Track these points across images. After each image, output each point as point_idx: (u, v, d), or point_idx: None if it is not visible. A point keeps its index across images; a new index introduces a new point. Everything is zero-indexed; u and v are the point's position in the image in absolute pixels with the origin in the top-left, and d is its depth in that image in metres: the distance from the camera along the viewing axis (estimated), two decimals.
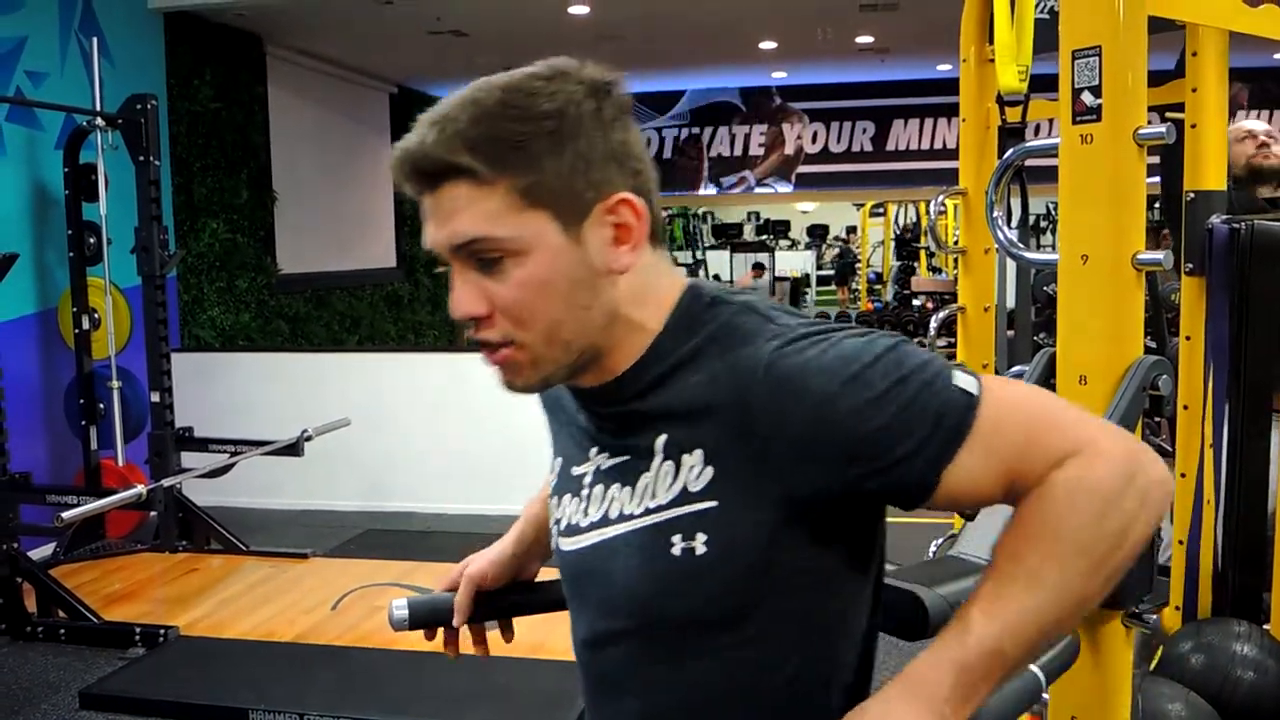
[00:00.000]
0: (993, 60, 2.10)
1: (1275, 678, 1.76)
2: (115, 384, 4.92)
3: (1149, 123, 1.24)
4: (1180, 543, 2.14)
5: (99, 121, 4.78)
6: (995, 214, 1.49)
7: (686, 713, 0.94)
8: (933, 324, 2.34)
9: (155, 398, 4.90)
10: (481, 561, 1.21)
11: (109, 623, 3.84)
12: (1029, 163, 1.68)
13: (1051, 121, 1.39)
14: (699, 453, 0.89)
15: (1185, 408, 2.12)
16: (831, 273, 18.54)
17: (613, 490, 0.96)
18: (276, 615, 4.00)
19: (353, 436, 5.04)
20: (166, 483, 4.27)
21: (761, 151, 10.73)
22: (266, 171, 7.10)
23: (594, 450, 0.99)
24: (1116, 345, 1.23)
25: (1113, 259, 1.22)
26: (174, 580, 4.50)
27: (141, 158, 4.77)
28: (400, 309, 9.25)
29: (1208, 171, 2.08)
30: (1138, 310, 1.24)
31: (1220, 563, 2.06)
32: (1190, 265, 2.07)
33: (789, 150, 10.64)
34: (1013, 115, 2.00)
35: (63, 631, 3.84)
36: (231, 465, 4.78)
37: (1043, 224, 14.58)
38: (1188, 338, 2.10)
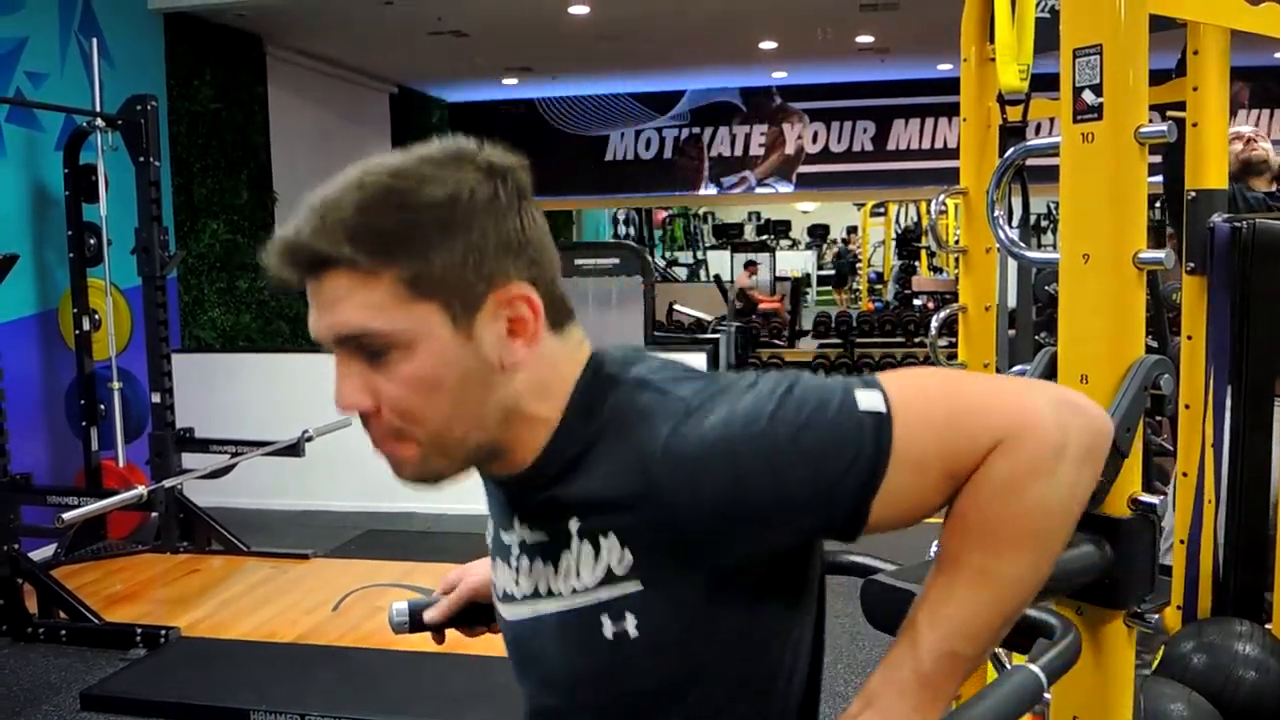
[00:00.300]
0: (993, 59, 2.09)
1: (1277, 677, 1.76)
2: (116, 385, 4.92)
3: (1150, 121, 1.24)
4: (1181, 542, 2.13)
5: (99, 122, 4.78)
6: (996, 213, 1.49)
7: None
8: (934, 324, 2.33)
9: (156, 398, 4.91)
10: (476, 577, 1.20)
11: (110, 624, 3.84)
12: (1029, 162, 1.67)
13: (1052, 121, 1.39)
14: (614, 536, 0.86)
15: (1186, 407, 2.11)
16: (832, 273, 18.54)
17: (538, 565, 0.93)
18: (277, 616, 4.00)
19: (353, 437, 4.98)
20: (167, 484, 4.27)
21: (762, 151, 10.73)
22: (267, 172, 7.10)
23: (517, 521, 0.96)
24: (1118, 344, 1.22)
25: (1114, 258, 1.21)
26: (175, 581, 4.50)
27: (141, 158, 4.77)
28: None
29: (1209, 170, 2.07)
30: (1139, 309, 1.23)
31: (1222, 562, 2.06)
32: (1192, 264, 2.07)
33: (789, 150, 10.63)
34: (1013, 114, 1.99)
35: (64, 632, 3.84)
36: (232, 466, 4.78)
37: (1043, 223, 14.57)
38: (1189, 337, 2.09)
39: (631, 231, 17.57)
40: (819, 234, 20.01)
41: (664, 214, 18.88)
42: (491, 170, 0.86)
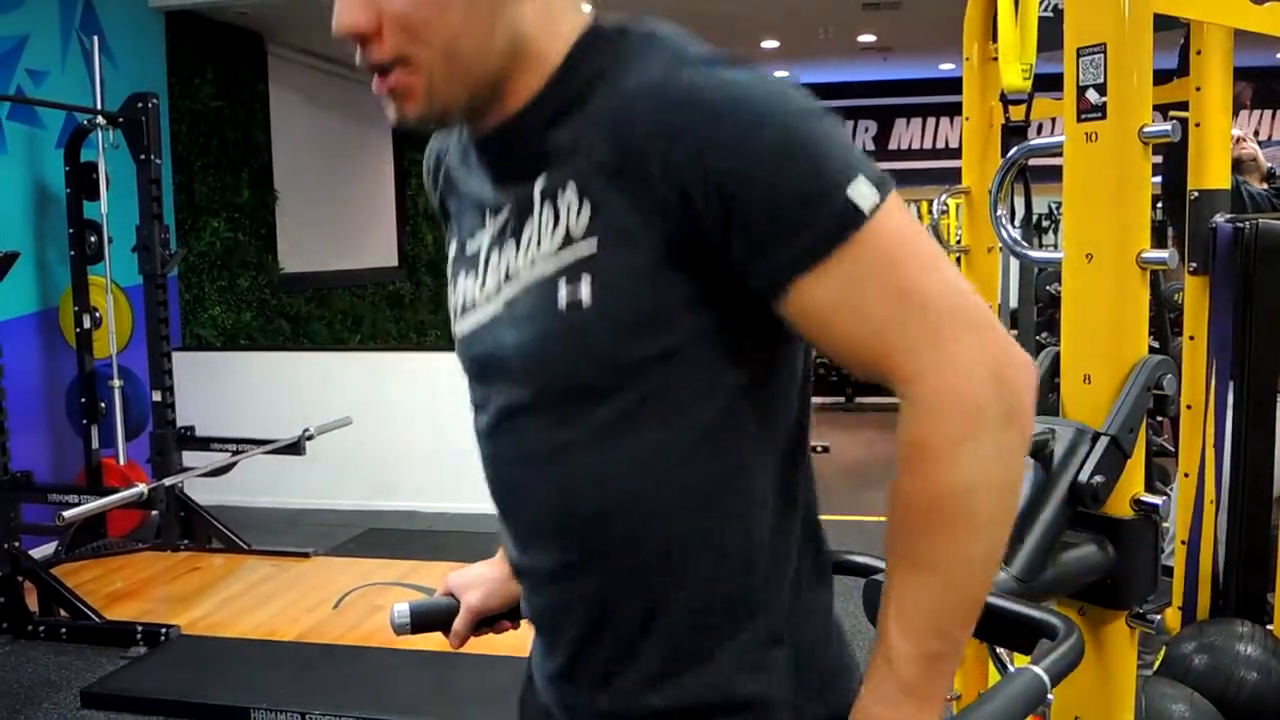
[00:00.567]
0: (996, 59, 2.09)
1: (1279, 678, 1.75)
2: (117, 383, 4.92)
3: (1153, 121, 1.23)
4: (1183, 543, 2.13)
5: (100, 120, 4.78)
6: (999, 212, 1.49)
7: (590, 498, 0.87)
8: None
9: (157, 397, 4.91)
10: (480, 590, 1.19)
11: (111, 622, 3.84)
12: (1031, 162, 1.67)
13: (1054, 120, 1.39)
14: (573, 189, 0.83)
15: (1188, 407, 2.11)
16: None
17: (505, 252, 0.90)
18: (278, 614, 4.00)
19: (354, 435, 5.03)
20: (168, 482, 4.27)
21: None
22: (268, 170, 7.09)
23: (489, 217, 0.93)
24: (1121, 344, 1.22)
25: (1117, 257, 1.21)
26: (176, 579, 4.50)
27: (142, 156, 4.77)
28: (402, 308, 9.24)
29: (1211, 170, 2.07)
30: (1142, 309, 1.23)
31: (1223, 563, 2.06)
32: (1194, 264, 2.07)
33: None
34: (1016, 113, 1.99)
35: (64, 630, 3.84)
36: (233, 464, 4.78)
37: (1044, 223, 14.56)
38: (1191, 337, 2.09)
39: None
40: None
41: None
42: None
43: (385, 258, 9.14)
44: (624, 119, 0.80)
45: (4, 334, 4.10)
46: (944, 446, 0.78)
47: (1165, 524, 2.17)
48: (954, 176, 2.27)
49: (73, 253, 4.87)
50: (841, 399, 8.82)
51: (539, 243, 0.85)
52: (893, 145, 10.25)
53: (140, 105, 4.75)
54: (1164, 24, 1.41)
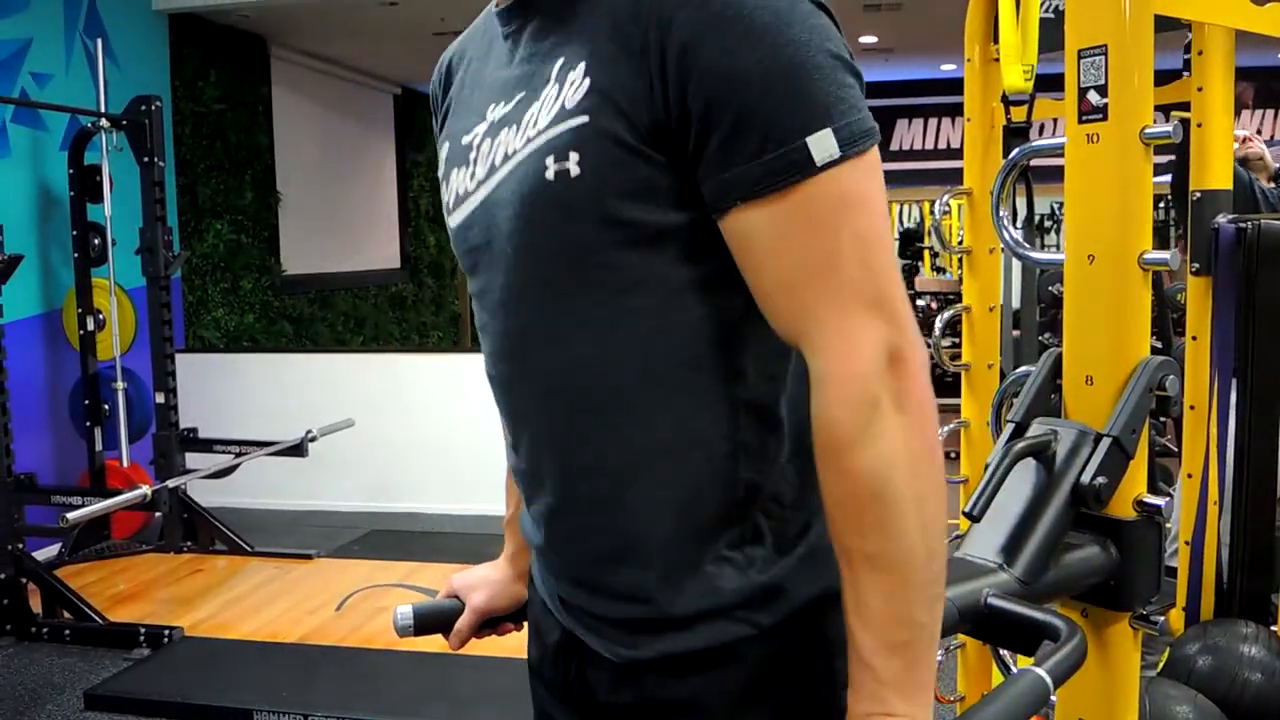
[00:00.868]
0: (997, 60, 2.09)
1: None
2: (120, 385, 4.92)
3: (1155, 122, 1.23)
4: (1186, 544, 2.13)
5: (103, 123, 4.79)
6: (1001, 213, 1.49)
7: (586, 376, 0.89)
8: (937, 325, 2.33)
9: (160, 398, 4.91)
10: (485, 592, 1.21)
11: (114, 623, 3.84)
12: (1034, 162, 1.67)
13: (1056, 121, 1.39)
14: (582, 66, 0.85)
15: (1191, 408, 2.10)
16: None
17: (502, 135, 0.92)
18: (281, 616, 4.00)
19: (357, 437, 5.04)
20: (171, 483, 4.27)
21: None
22: (271, 172, 7.10)
23: (491, 106, 0.95)
24: (1123, 345, 1.22)
25: (1119, 259, 1.21)
26: (179, 581, 4.51)
27: (146, 159, 4.78)
28: (404, 310, 9.25)
29: (1214, 170, 2.07)
30: (1144, 310, 1.23)
31: (1226, 564, 2.05)
32: (1196, 265, 2.06)
33: None
34: (1018, 115, 1.99)
35: (68, 632, 3.84)
36: (236, 466, 4.79)
37: (1047, 224, 14.54)
38: (1194, 338, 2.09)
39: None
40: None
41: None
42: None
43: (388, 259, 9.16)
44: (640, 1, 0.82)
45: (8, 336, 4.10)
46: (848, 436, 0.80)
47: (1169, 525, 2.18)
48: (956, 177, 2.27)
49: (76, 255, 4.88)
50: None
51: (536, 121, 0.87)
52: (895, 146, 10.25)
53: (143, 108, 4.76)
54: (1167, 24, 1.41)
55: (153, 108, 4.76)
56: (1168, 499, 1.22)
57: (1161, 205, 9.46)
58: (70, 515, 3.47)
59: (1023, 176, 1.76)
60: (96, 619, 3.85)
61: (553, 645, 1.04)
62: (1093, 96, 1.22)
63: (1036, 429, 1.26)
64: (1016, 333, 2.41)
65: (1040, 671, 0.92)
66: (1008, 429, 1.30)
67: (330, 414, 4.93)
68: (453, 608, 1.22)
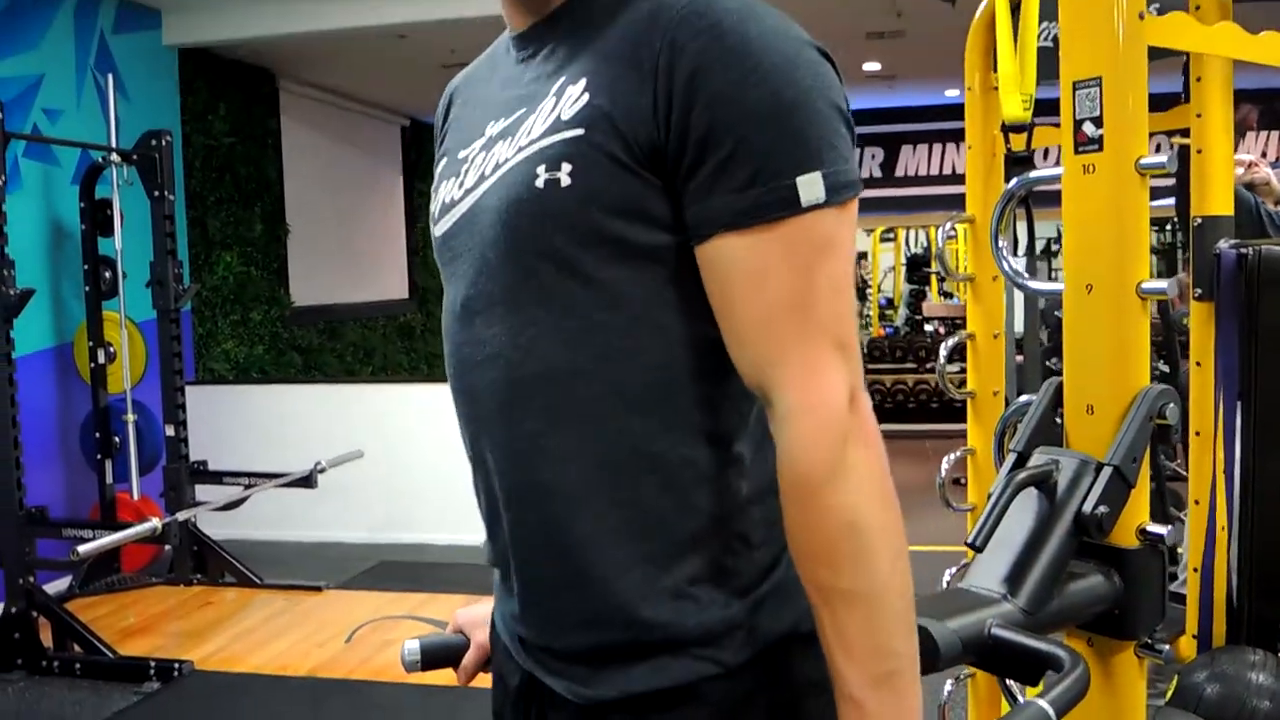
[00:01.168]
0: (998, 88, 2.10)
1: None
2: (130, 417, 4.95)
3: (1159, 149, 1.25)
4: (1195, 570, 2.12)
5: (114, 157, 4.83)
6: (1000, 243, 1.50)
7: (553, 389, 0.89)
8: (942, 351, 2.33)
9: (170, 431, 4.93)
10: (489, 628, 1.21)
11: (124, 657, 3.85)
12: (1038, 187, 1.68)
13: (1059, 147, 1.40)
14: (582, 83, 0.87)
15: (1197, 434, 2.10)
16: None
17: (497, 148, 0.93)
18: (290, 649, 4.00)
19: (366, 468, 5.05)
20: (181, 516, 4.29)
21: None
22: (280, 204, 7.15)
23: (491, 122, 0.97)
24: (1123, 374, 1.23)
25: (1117, 288, 1.22)
26: (188, 614, 4.51)
27: (156, 192, 4.82)
28: (413, 340, 9.28)
29: (1215, 196, 2.08)
30: (1143, 339, 1.24)
31: (1235, 590, 2.04)
32: (1199, 290, 2.07)
33: None
34: (1017, 143, 2.00)
35: (78, 666, 3.85)
36: (245, 498, 4.80)
37: (1054, 247, 14.53)
38: (1198, 363, 2.09)
39: None
40: None
41: None
42: None
43: (396, 289, 9.20)
44: (652, 22, 0.85)
45: (20, 370, 4.13)
46: (821, 471, 0.81)
47: (1180, 550, 2.17)
48: (962, 202, 2.28)
49: (87, 289, 4.92)
50: None
51: (530, 131, 0.89)
52: (899, 172, 10.28)
53: (154, 142, 4.80)
54: (1164, 51, 1.42)
55: (163, 142, 4.81)
56: (1171, 527, 1.23)
57: (1169, 228, 9.45)
58: (81, 549, 3.48)
59: (1024, 205, 1.76)
60: (107, 653, 3.85)
61: (514, 689, 1.03)
62: (1088, 128, 1.24)
63: (1038, 458, 1.26)
64: (1020, 358, 2.41)
65: (1043, 703, 0.92)
66: (1010, 458, 1.30)
67: (339, 445, 4.94)
68: (459, 643, 1.22)
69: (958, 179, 9.75)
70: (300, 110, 7.56)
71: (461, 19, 5.53)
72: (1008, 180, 2.07)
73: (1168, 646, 1.29)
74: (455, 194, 0.98)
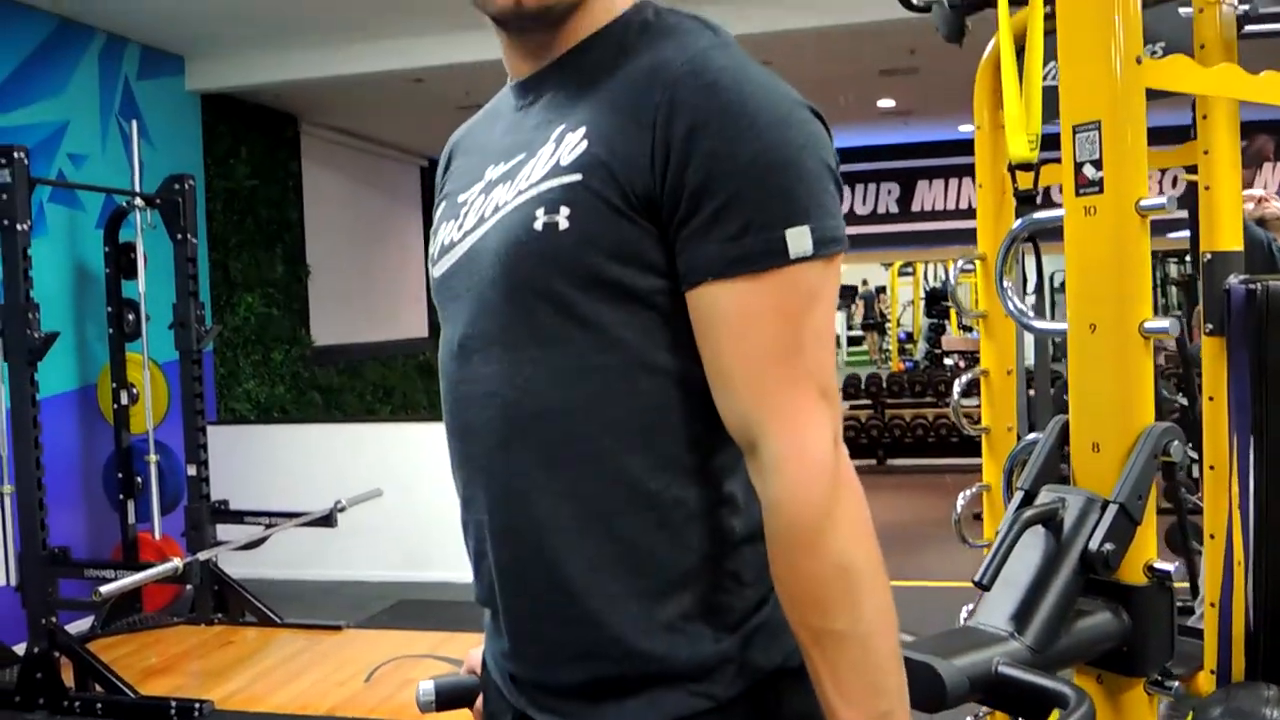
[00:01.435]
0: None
1: None
2: (153, 458, 4.98)
3: (1173, 182, 1.26)
4: (1212, 605, 2.11)
5: (138, 201, 4.90)
6: (1005, 284, 1.52)
7: (549, 428, 0.92)
8: (955, 388, 2.34)
9: (192, 471, 4.96)
10: None
11: (145, 697, 3.86)
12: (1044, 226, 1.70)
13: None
14: (582, 131, 0.90)
15: (1211, 468, 2.10)
16: (860, 333, 18.54)
17: (496, 191, 0.96)
18: (311, 688, 4.01)
19: (386, 507, 5.07)
20: (202, 556, 4.31)
21: None
22: (301, 245, 7.23)
23: (491, 166, 1.00)
24: (1127, 413, 1.24)
25: (1120, 328, 1.24)
26: (209, 653, 4.52)
27: (179, 236, 4.88)
28: (432, 378, 9.27)
29: (1223, 232, 2.09)
30: (1147, 377, 1.25)
31: (1251, 625, 2.03)
32: (1210, 325, 2.08)
33: None
34: (1025, 181, 2.02)
35: (99, 706, 3.86)
36: (266, 537, 4.82)
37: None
38: (1210, 398, 2.09)
39: None
40: (847, 295, 20.03)
41: None
42: None
43: (415, 328, 9.26)
44: (652, 78, 0.89)
45: (44, 411, 4.18)
46: (815, 515, 0.84)
47: (1200, 584, 2.16)
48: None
49: (111, 331, 4.97)
50: (873, 461, 8.78)
51: (529, 176, 0.92)
52: (916, 206, 10.29)
53: (177, 186, 4.87)
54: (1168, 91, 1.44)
55: (186, 186, 4.88)
56: (1177, 564, 1.23)
57: (1188, 259, 9.41)
58: (103, 589, 3.50)
59: (1031, 243, 1.78)
60: (128, 693, 3.87)
61: None
62: (1088, 170, 1.26)
63: (1045, 496, 1.28)
64: (1032, 392, 2.42)
65: None
66: (1017, 496, 1.32)
67: (359, 484, 4.97)
68: (473, 683, 1.23)
69: (974, 213, 9.76)
70: (320, 152, 7.66)
71: (476, 63, 5.61)
72: (1018, 218, 2.09)
73: (1178, 683, 1.29)
74: (454, 235, 1.01)
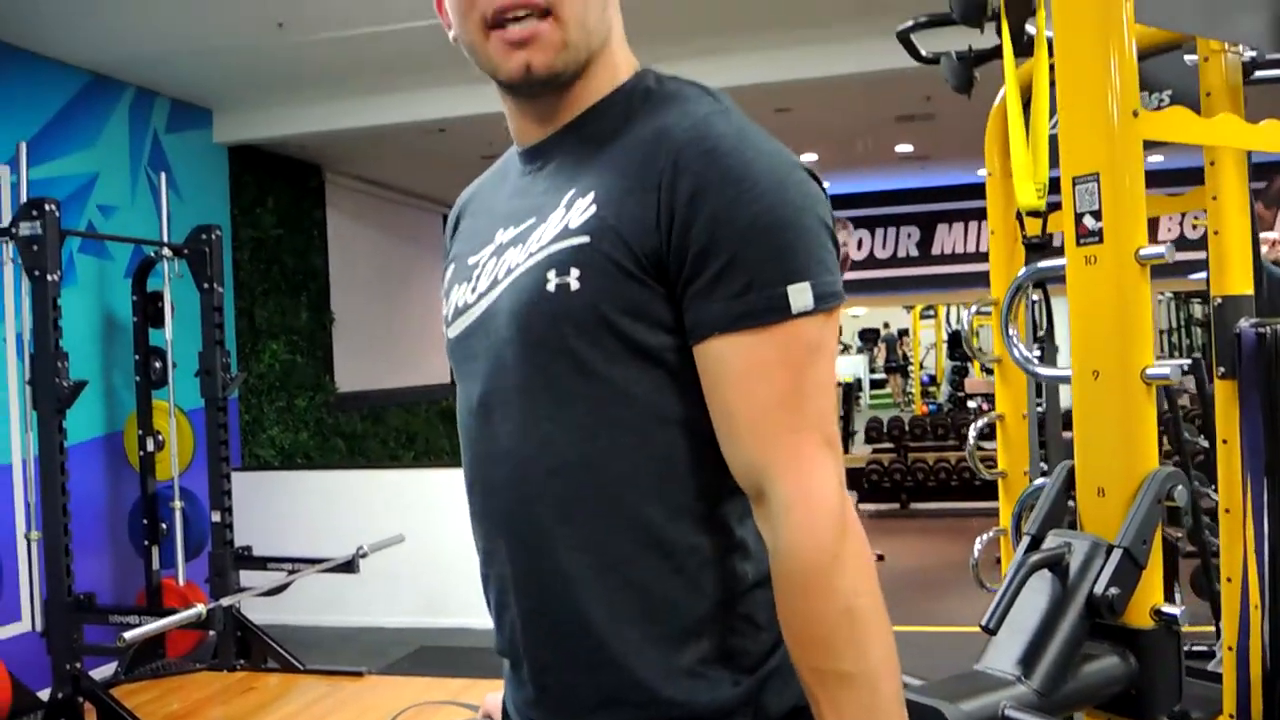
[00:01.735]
0: None
1: None
2: (178, 504, 5.03)
3: (1166, 247, 1.29)
4: (1230, 649, 2.10)
5: (166, 251, 4.98)
6: (1010, 331, 1.54)
7: (567, 482, 0.95)
8: (971, 432, 2.36)
9: (216, 517, 5.00)
10: None
11: None
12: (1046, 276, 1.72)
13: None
14: (591, 195, 0.94)
15: (1227, 511, 2.10)
16: (883, 376, 18.51)
17: (507, 254, 1.00)
18: None
19: (408, 552, 5.08)
20: (225, 602, 4.33)
21: None
22: (325, 293, 7.31)
23: (500, 229, 1.03)
24: (1131, 458, 1.26)
25: (1122, 374, 1.26)
26: (231, 699, 4.53)
27: (206, 285, 4.96)
28: (453, 424, 9.32)
29: (1233, 276, 2.10)
30: (1150, 423, 1.27)
31: (1269, 667, 2.02)
32: (1222, 369, 2.09)
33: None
34: (1033, 228, 2.05)
35: None
36: (289, 583, 4.84)
37: None
38: (1224, 441, 2.10)
39: None
40: (869, 338, 20.02)
41: None
42: None
43: (437, 374, 9.31)
44: (656, 144, 0.93)
45: (70, 458, 4.24)
46: (824, 560, 0.87)
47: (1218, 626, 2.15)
48: None
49: (138, 378, 5.04)
50: (896, 505, 8.73)
51: (540, 238, 0.97)
52: (936, 250, 10.31)
53: (204, 237, 4.95)
54: None
55: (213, 236, 4.96)
56: (1183, 608, 1.24)
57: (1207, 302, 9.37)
58: (127, 635, 3.53)
59: (1040, 289, 1.80)
60: None
61: None
62: (1088, 221, 1.29)
63: (1051, 541, 1.29)
64: (1041, 437, 2.43)
65: None
66: (1024, 541, 1.33)
67: (381, 530, 4.99)
68: None
69: None
70: (345, 201, 7.76)
71: (497, 113, 5.62)
72: (1026, 264, 2.12)
73: None
74: (469, 298, 1.05)
